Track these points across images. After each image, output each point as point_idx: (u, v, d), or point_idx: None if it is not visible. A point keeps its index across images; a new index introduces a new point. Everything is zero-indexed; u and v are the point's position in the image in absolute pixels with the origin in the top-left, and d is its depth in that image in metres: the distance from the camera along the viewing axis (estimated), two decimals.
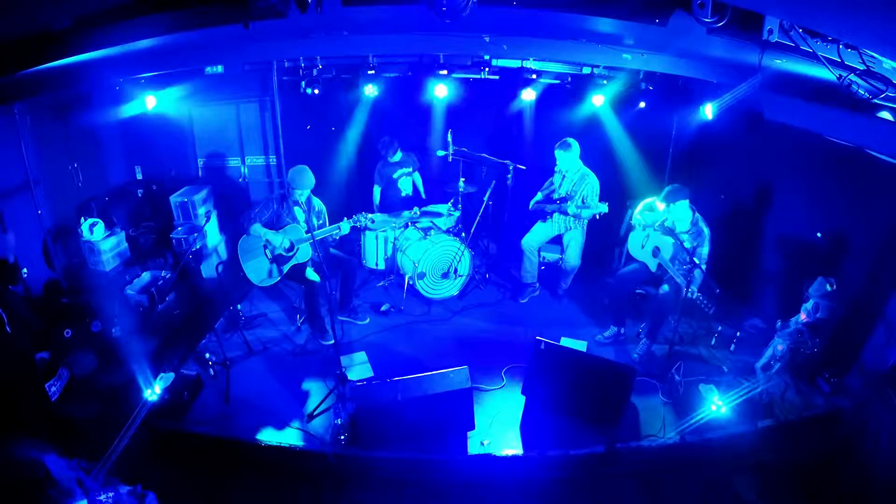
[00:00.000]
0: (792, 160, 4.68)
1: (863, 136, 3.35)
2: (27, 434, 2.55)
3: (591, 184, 5.09)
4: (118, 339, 4.39)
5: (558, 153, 5.11)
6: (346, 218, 4.63)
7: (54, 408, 3.69)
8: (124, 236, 5.64)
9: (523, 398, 3.88)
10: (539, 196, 5.38)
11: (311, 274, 4.67)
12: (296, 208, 4.60)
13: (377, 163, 6.19)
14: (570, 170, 5.14)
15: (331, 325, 4.64)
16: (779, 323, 4.30)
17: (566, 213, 5.11)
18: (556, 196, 5.26)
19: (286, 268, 4.63)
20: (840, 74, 2.38)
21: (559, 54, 4.97)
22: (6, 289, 3.91)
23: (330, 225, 4.73)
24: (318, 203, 4.78)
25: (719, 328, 4.81)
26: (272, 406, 4.02)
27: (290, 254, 4.59)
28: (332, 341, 4.57)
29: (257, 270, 4.62)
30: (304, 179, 4.49)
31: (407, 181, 6.20)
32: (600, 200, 5.02)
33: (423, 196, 6.45)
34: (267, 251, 4.57)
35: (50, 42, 2.88)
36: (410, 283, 5.40)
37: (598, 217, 5.09)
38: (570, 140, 5.09)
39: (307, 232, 4.49)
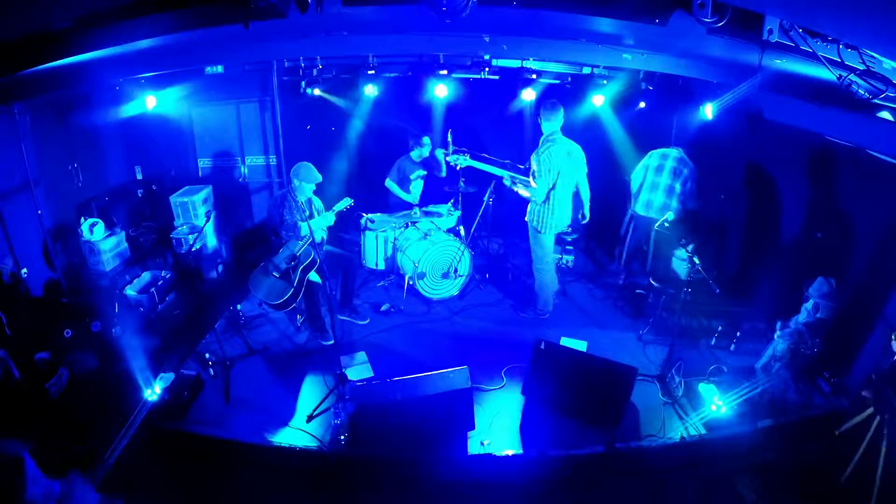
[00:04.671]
0: (792, 160, 4.68)
1: (863, 136, 3.34)
2: (25, 434, 2.52)
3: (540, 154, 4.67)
4: (118, 339, 4.39)
5: (543, 113, 4.67)
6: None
7: (54, 408, 3.69)
8: (124, 236, 5.64)
9: (523, 398, 3.88)
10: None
11: (313, 275, 4.66)
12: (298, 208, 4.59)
13: (399, 157, 6.12)
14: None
15: (331, 325, 4.63)
16: (779, 323, 4.30)
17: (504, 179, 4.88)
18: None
19: (296, 277, 4.57)
20: (840, 74, 2.37)
21: (559, 54, 4.96)
22: (7, 292, 3.91)
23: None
24: (318, 202, 4.78)
25: (719, 328, 4.81)
26: (272, 406, 4.02)
27: (294, 263, 4.57)
28: (332, 341, 4.56)
29: (270, 292, 4.52)
30: (312, 174, 4.52)
31: (418, 185, 6.15)
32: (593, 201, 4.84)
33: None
34: (272, 272, 4.52)
35: (50, 42, 2.88)
36: (410, 283, 5.40)
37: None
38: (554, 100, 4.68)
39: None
